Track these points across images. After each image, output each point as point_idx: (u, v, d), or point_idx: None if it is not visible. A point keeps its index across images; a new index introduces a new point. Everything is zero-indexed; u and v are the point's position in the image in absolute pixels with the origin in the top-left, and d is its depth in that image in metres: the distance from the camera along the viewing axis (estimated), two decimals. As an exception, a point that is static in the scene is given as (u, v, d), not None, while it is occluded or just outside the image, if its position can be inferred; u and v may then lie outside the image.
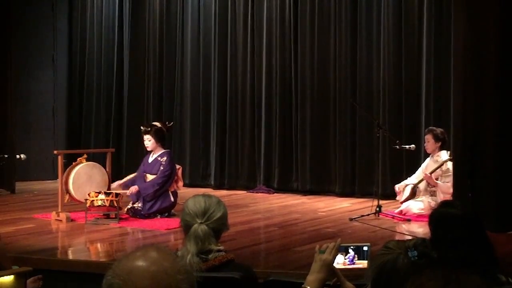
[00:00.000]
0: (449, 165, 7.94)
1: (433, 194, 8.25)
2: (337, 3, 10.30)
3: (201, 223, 3.16)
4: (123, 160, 11.78)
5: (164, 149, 8.47)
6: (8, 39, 10.64)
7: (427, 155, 8.60)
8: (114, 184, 8.38)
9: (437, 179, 8.17)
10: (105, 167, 8.56)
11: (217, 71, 11.28)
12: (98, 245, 7.04)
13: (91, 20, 12.44)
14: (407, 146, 8.58)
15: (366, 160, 9.95)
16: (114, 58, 12.23)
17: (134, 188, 8.18)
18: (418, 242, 2.40)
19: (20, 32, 11.28)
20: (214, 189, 10.79)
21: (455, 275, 1.59)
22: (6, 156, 7.64)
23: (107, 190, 8.13)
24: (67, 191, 8.17)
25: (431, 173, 8.17)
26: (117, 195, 7.86)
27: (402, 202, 8.33)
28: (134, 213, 8.12)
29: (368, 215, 8.02)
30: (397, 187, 8.56)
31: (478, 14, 7.22)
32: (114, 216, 7.83)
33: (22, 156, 7.94)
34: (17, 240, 6.76)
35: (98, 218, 7.88)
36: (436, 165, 8.19)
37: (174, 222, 7.38)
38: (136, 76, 12.05)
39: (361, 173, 10.07)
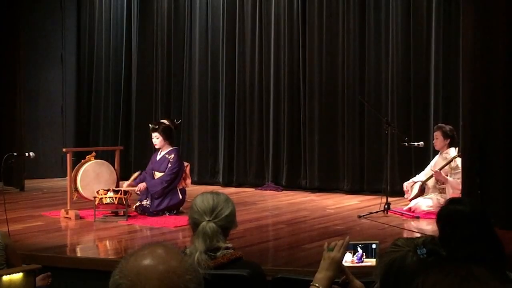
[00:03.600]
0: (458, 161, 7.91)
1: (442, 191, 8.22)
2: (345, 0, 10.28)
3: (209, 220, 3.17)
4: (131, 158, 11.80)
5: (172, 146, 8.48)
6: (17, 38, 10.67)
7: (436, 152, 8.57)
8: (124, 185, 8.38)
9: (446, 175, 8.15)
10: (113, 165, 8.59)
11: (225, 68, 11.28)
12: (107, 242, 7.07)
13: (99, 18, 12.46)
14: (415, 143, 8.56)
15: (374, 157, 9.93)
16: (122, 56, 12.24)
17: (142, 185, 8.21)
18: (427, 240, 2.40)
19: (29, 31, 11.30)
20: (222, 187, 10.78)
21: (467, 269, 1.58)
22: (15, 154, 7.64)
23: (116, 188, 8.14)
24: (75, 189, 8.20)
25: (440, 169, 8.15)
26: (125, 192, 7.87)
27: (410, 200, 8.31)
28: (143, 211, 8.14)
29: (377, 212, 8.00)
30: (405, 185, 8.52)
31: (487, 10, 7.19)
32: (122, 214, 7.85)
33: (31, 154, 7.94)
34: (26, 238, 6.79)
35: (106, 216, 7.90)
36: (445, 162, 8.16)
37: (183, 220, 7.38)
38: (144, 74, 12.06)
39: (370, 170, 10.05)
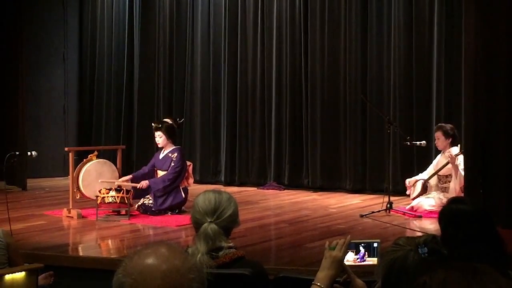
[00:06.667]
0: (460, 158, 7.87)
1: (444, 190, 8.21)
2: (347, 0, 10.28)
3: (211, 222, 3.15)
4: (133, 157, 11.81)
5: (175, 145, 8.48)
6: (19, 36, 10.68)
7: (438, 151, 8.57)
8: (122, 180, 8.35)
9: (449, 175, 8.13)
10: (115, 164, 8.59)
11: (227, 67, 11.28)
12: (109, 241, 7.07)
13: (101, 17, 12.47)
14: (417, 142, 8.55)
15: (376, 157, 9.93)
16: (124, 55, 12.25)
17: (144, 183, 8.21)
18: (428, 239, 2.40)
19: (31, 29, 11.31)
20: (224, 186, 10.79)
21: (474, 265, 1.58)
22: (17, 153, 7.64)
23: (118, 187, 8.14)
24: (78, 188, 8.20)
25: (441, 168, 8.13)
26: (127, 191, 7.88)
27: (413, 199, 8.30)
28: (145, 210, 8.14)
29: (379, 211, 8.00)
30: (408, 181, 8.51)
31: (489, 9, 7.18)
32: (124, 213, 7.86)
33: (33, 153, 7.94)
34: (28, 237, 6.79)
35: (108, 215, 7.91)
36: (446, 161, 8.13)
37: (185, 219, 7.37)
38: (146, 73, 12.07)
39: (372, 169, 10.05)
